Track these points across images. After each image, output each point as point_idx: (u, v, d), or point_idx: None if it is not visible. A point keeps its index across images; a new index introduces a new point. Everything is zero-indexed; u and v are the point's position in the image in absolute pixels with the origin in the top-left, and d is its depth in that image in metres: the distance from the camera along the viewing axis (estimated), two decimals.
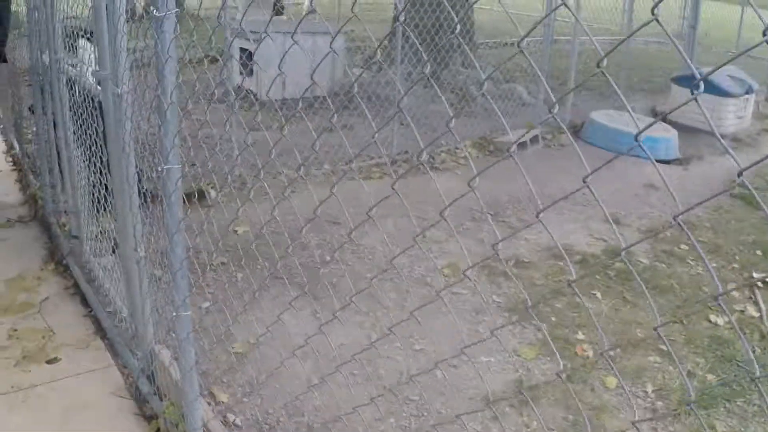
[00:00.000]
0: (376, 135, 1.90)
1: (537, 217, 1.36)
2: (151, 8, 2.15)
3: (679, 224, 1.11)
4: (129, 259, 3.30)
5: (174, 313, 2.55)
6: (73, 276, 4.74)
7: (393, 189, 1.81)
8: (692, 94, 1.07)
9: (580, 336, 4.33)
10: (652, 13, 0.93)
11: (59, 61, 4.20)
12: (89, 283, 4.54)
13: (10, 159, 7.23)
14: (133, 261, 3.26)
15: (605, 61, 1.11)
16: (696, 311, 4.70)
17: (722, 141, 1.06)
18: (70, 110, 4.36)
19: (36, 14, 4.63)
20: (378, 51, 1.67)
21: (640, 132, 1.08)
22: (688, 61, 0.99)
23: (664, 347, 4.27)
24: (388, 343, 4.08)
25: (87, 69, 3.82)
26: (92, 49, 3.46)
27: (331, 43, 1.83)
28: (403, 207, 5.92)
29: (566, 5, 1.10)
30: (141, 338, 3.49)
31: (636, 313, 4.63)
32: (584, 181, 1.18)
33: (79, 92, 3.92)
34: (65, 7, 3.95)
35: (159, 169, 2.34)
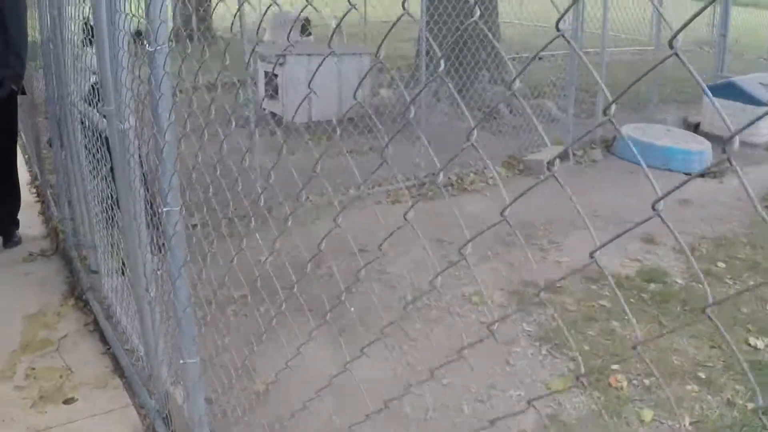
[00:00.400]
0: (390, 158, 1.76)
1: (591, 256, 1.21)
2: (144, 42, 2.04)
3: (710, 317, 0.95)
4: (142, 299, 3.19)
5: (181, 361, 2.43)
6: (92, 312, 4.65)
7: (405, 219, 1.66)
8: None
9: (614, 366, 4.16)
10: (670, 46, 0.79)
11: (71, 95, 4.12)
12: (108, 320, 4.44)
13: (34, 190, 7.18)
14: (145, 301, 3.15)
15: (613, 108, 0.97)
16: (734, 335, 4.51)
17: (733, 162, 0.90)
18: (83, 144, 4.28)
19: (51, 46, 4.56)
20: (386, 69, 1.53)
21: (666, 195, 0.92)
22: (702, 83, 0.85)
23: (702, 375, 4.10)
24: (414, 377, 3.93)
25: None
26: None
27: (318, 62, 1.70)
28: (432, 231, 5.79)
29: (565, 37, 0.96)
30: (156, 379, 3.38)
31: (672, 339, 4.44)
32: (654, 209, 1.03)
33: (89, 126, 3.83)
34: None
35: (159, 211, 2.22)
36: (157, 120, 2.10)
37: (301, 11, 1.71)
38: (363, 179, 7.14)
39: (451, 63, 9.30)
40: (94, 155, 3.87)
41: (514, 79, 1.08)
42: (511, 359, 4.23)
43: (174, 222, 2.21)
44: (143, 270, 3.05)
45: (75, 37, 3.80)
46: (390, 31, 1.40)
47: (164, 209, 2.19)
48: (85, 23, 4.45)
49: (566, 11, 0.93)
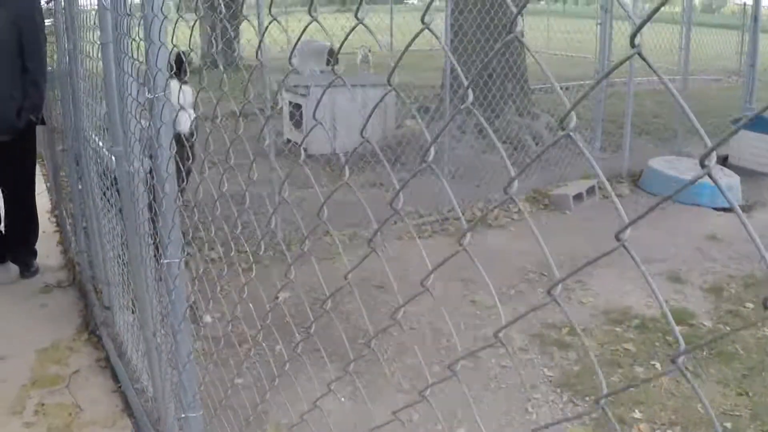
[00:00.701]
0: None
1: None
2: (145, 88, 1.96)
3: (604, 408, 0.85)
4: (150, 342, 3.11)
5: (183, 415, 2.34)
6: (105, 348, 4.58)
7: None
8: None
9: (637, 414, 4.01)
10: (702, 165, 0.70)
11: (85, 130, 4.07)
12: (120, 357, 4.36)
13: (54, 219, 7.16)
14: (153, 345, 3.07)
15: (626, 235, 0.87)
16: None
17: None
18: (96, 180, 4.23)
19: (69, 81, 4.51)
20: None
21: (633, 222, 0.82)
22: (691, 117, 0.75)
23: (729, 424, 3.95)
24: (430, 424, 3.82)
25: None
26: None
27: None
28: (454, 270, 5.66)
29: (572, 137, 0.86)
30: (164, 422, 3.29)
31: (699, 386, 4.28)
32: (618, 238, 0.93)
33: (100, 164, 3.78)
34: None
35: (160, 262, 2.14)
36: (157, 171, 2.02)
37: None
38: (385, 214, 7.02)
39: (476, 96, 9.20)
40: (104, 193, 3.81)
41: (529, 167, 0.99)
42: (530, 406, 4.09)
43: (174, 275, 2.13)
44: (151, 313, 2.97)
45: (88, 75, 3.75)
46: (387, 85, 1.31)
47: (164, 261, 2.10)
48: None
49: (570, 110, 0.83)
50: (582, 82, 12.05)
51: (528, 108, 10.66)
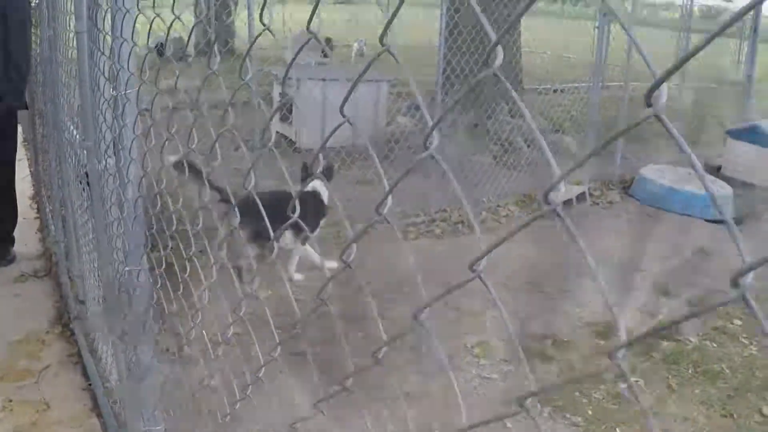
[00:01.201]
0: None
1: None
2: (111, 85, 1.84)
3: None
4: (117, 345, 3.00)
5: (144, 429, 2.23)
6: (77, 343, 4.46)
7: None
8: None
9: None
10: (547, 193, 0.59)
11: (63, 121, 3.94)
12: (91, 353, 4.24)
13: (36, 206, 7.01)
14: (120, 349, 2.95)
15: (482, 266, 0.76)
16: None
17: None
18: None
19: (49, 67, 4.38)
20: None
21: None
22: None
23: None
24: None
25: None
26: None
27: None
28: (440, 272, 5.54)
29: (558, 212, 0.76)
30: (129, 427, 3.18)
31: (683, 406, 4.19)
32: (472, 270, 0.83)
33: (74, 156, 3.66)
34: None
35: (122, 270, 2.02)
36: (119, 174, 1.90)
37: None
38: (370, 212, 6.88)
39: (468, 96, 9.07)
40: (79, 183, 3.69)
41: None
42: (509, 421, 3.99)
43: (133, 283, 2.01)
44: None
45: (65, 64, 3.63)
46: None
47: (125, 269, 1.99)
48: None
49: (558, 181, 0.73)
50: (577, 84, 11.95)
51: (521, 109, 10.52)
